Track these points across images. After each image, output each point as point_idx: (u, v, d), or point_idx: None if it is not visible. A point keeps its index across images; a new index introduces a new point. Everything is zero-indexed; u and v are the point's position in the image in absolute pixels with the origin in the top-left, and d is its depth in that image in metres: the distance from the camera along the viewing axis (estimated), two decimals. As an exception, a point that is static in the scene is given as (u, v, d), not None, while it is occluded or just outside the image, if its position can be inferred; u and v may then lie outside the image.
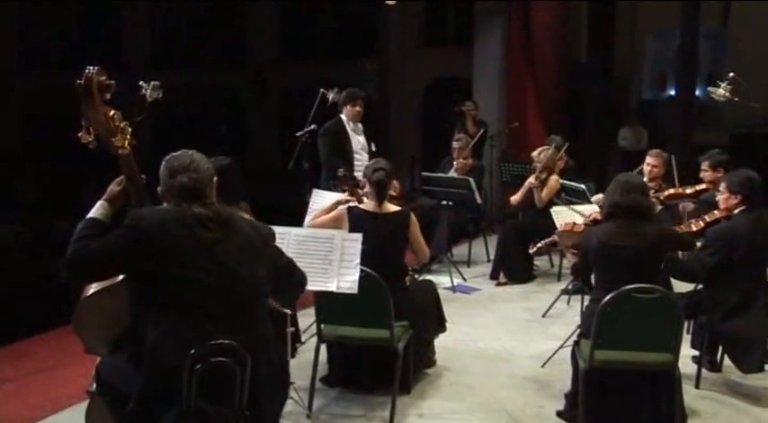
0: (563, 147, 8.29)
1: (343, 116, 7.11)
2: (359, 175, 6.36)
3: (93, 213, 3.21)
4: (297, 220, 5.88)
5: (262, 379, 3.10)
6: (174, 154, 3.25)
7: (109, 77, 3.24)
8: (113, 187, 3.32)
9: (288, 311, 4.42)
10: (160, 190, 3.25)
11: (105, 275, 3.22)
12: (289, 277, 3.49)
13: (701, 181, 6.25)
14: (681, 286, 5.49)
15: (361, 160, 7.00)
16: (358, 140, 7.10)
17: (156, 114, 3.71)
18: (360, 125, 7.21)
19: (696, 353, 5.26)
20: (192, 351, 2.91)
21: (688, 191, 6.31)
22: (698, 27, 10.55)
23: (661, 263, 4.50)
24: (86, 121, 3.24)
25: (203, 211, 3.09)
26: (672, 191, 6.45)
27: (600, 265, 4.45)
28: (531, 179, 7.84)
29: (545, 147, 8.15)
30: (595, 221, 5.19)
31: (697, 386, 5.09)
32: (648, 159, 6.83)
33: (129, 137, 3.29)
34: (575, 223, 5.49)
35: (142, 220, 3.01)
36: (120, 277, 3.30)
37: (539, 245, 5.67)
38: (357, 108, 7.10)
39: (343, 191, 5.92)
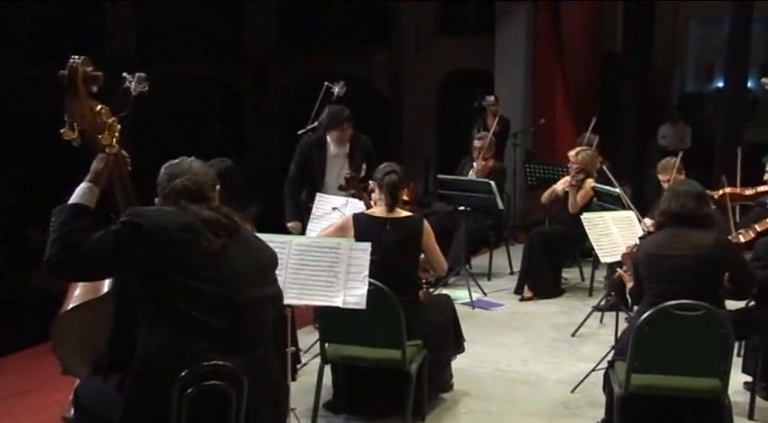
0: (594, 144, 8.27)
1: (327, 137, 6.74)
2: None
3: (77, 198, 3.04)
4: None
5: (260, 407, 3.10)
6: (172, 161, 3.30)
7: (96, 68, 3.24)
8: (97, 165, 3.17)
9: (288, 313, 4.39)
10: (158, 200, 3.27)
11: (101, 275, 3.20)
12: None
13: (762, 182, 6.23)
14: (730, 303, 5.46)
15: (339, 174, 6.58)
16: (334, 169, 6.76)
17: (141, 110, 3.71)
18: (347, 146, 6.75)
19: (749, 378, 5.21)
20: (183, 373, 2.90)
21: (748, 192, 6.26)
22: (751, 10, 10.49)
23: (717, 278, 4.42)
24: (70, 116, 3.22)
25: (211, 213, 3.11)
26: (728, 190, 6.38)
27: (648, 277, 4.43)
28: (568, 178, 7.83)
29: (584, 147, 8.14)
30: (649, 234, 5.17)
31: (750, 417, 5.04)
32: (660, 177, 6.86)
33: (117, 134, 3.29)
34: (635, 246, 5.46)
35: (145, 219, 2.99)
36: (105, 290, 3.29)
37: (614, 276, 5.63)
38: (347, 130, 6.70)
39: (352, 194, 5.92)
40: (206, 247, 3.04)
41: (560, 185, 8.02)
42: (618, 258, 5.45)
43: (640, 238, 5.09)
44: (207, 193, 3.22)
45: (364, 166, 6.63)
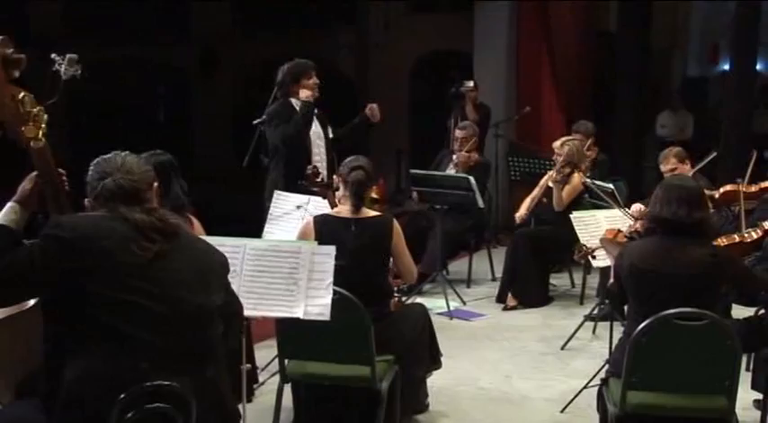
0: (592, 135, 8.32)
1: (291, 99, 6.96)
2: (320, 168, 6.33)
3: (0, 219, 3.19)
4: (254, 230, 5.88)
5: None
6: (104, 157, 3.28)
7: (17, 49, 3.21)
8: (25, 185, 3.31)
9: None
10: (88, 201, 3.25)
11: (18, 298, 3.20)
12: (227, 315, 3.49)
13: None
14: (738, 311, 5.51)
15: (319, 153, 6.94)
16: (314, 128, 7.01)
17: (72, 98, 3.70)
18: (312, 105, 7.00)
19: (759, 396, 5.25)
20: (122, 396, 2.88)
21: (752, 189, 6.31)
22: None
23: (715, 293, 4.42)
24: None
25: (145, 217, 3.10)
26: (730, 187, 6.43)
27: (632, 294, 4.43)
28: (552, 173, 7.86)
29: (570, 137, 8.18)
30: (638, 234, 5.18)
31: (761, 437, 5.09)
32: (662, 167, 6.92)
33: (44, 126, 3.27)
34: (619, 231, 5.49)
35: (66, 230, 3.00)
36: (32, 302, 3.27)
37: (588, 249, 5.69)
38: (313, 80, 6.93)
39: (313, 192, 5.92)
40: (140, 255, 3.03)
41: (540, 187, 8.01)
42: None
43: (626, 237, 5.13)
44: (142, 193, 3.20)
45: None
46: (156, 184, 3.32)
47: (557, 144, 8.02)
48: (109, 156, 3.28)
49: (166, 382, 2.96)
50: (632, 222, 5.75)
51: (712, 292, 4.38)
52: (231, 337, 3.62)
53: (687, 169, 6.88)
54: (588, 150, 8.35)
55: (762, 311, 5.21)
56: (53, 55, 3.73)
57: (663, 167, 6.93)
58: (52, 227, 3.02)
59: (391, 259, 5.05)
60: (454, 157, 8.53)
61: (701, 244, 4.35)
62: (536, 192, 8.09)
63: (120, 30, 17.52)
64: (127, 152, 3.32)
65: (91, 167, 3.26)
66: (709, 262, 4.29)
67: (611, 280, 4.82)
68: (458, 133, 8.60)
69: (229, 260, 3.54)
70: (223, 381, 3.27)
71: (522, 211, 8.07)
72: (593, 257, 5.83)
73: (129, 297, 2.99)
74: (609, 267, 5.66)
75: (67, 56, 3.77)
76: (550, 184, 7.86)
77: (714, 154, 7.05)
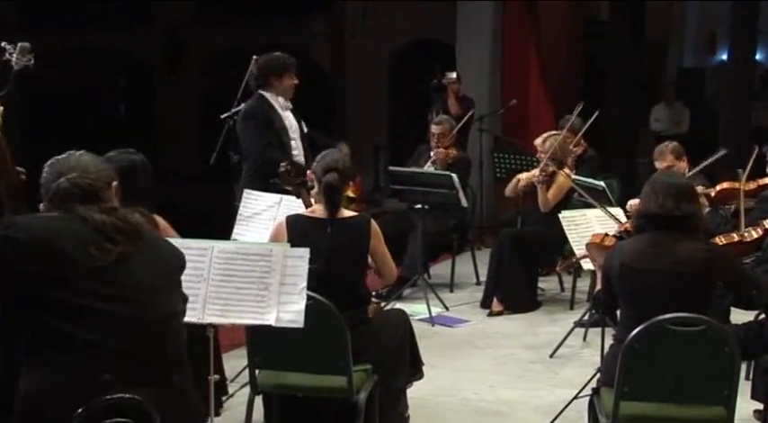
0: (581, 130, 8.34)
1: (266, 93, 6.98)
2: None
3: None
4: (223, 232, 5.87)
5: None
6: (58, 157, 3.28)
7: None
8: None
9: (210, 334, 4.38)
10: (43, 205, 3.25)
11: None
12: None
13: (766, 174, 6.33)
14: (736, 316, 5.54)
15: (297, 147, 6.96)
16: (291, 122, 7.03)
17: (25, 89, 3.70)
18: (288, 101, 7.09)
19: (759, 406, 5.28)
20: (80, 410, 2.88)
21: (750, 186, 6.35)
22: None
23: (711, 294, 4.46)
24: None
25: (105, 217, 3.10)
26: (727, 185, 6.46)
27: (624, 296, 4.45)
28: (535, 172, 7.87)
29: (553, 132, 8.19)
30: (628, 233, 5.20)
31: (762, 450, 5.13)
32: (656, 164, 6.95)
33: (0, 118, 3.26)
34: (606, 235, 5.51)
35: (20, 231, 2.99)
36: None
37: (572, 260, 5.70)
38: (292, 80, 6.99)
39: (286, 191, 5.91)
40: (100, 257, 3.03)
41: (525, 177, 8.03)
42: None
43: (616, 237, 5.15)
44: (101, 192, 3.21)
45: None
46: (114, 183, 3.31)
47: (538, 141, 8.01)
48: (63, 156, 3.28)
49: (128, 396, 2.95)
50: (621, 223, 5.78)
51: (708, 289, 4.41)
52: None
53: (684, 166, 6.91)
54: (575, 146, 8.36)
55: (762, 316, 5.24)
56: (3, 44, 3.73)
57: (658, 164, 6.95)
58: (5, 227, 3.02)
59: (370, 259, 5.06)
60: (431, 153, 8.53)
61: (694, 238, 4.39)
62: (523, 176, 8.07)
63: (78, 16, 17.43)
64: (83, 151, 3.32)
65: (45, 169, 3.26)
66: (704, 257, 4.33)
67: (598, 287, 4.84)
68: (434, 129, 8.60)
69: (196, 264, 3.55)
70: (190, 388, 3.27)
71: (508, 188, 8.15)
72: (579, 267, 5.84)
73: (89, 302, 2.99)
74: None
75: (19, 44, 3.77)
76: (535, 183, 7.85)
77: (723, 152, 7.04)
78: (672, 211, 4.34)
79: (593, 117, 8.39)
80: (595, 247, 5.29)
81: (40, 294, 2.96)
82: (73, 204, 3.13)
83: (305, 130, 7.13)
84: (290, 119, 6.97)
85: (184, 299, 3.43)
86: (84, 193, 3.16)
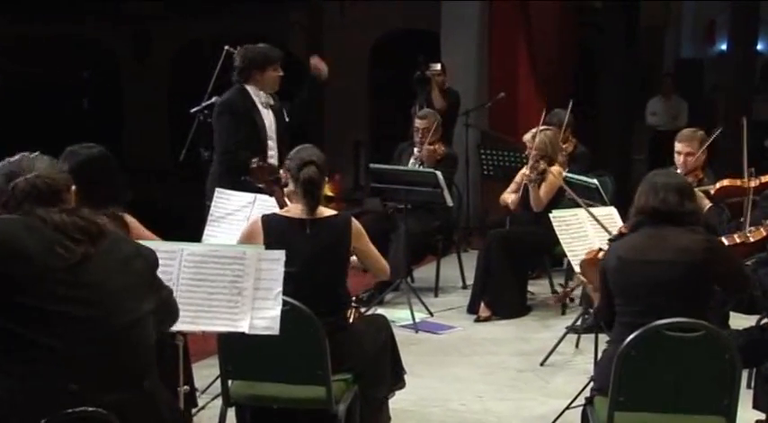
0: (569, 126, 8.34)
1: (248, 87, 7.02)
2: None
3: None
4: (193, 233, 5.86)
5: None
6: (9, 159, 3.27)
7: None
8: None
9: (179, 342, 4.37)
10: None
11: None
12: (168, 316, 3.56)
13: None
14: (737, 321, 5.55)
15: (273, 148, 6.97)
16: (270, 121, 7.02)
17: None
18: (271, 96, 7.13)
19: (761, 416, 5.29)
20: (44, 421, 2.88)
21: (751, 184, 6.37)
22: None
23: (710, 288, 4.50)
24: None
25: (66, 217, 3.09)
26: (727, 182, 6.49)
27: (621, 291, 4.48)
28: (525, 171, 7.87)
29: (542, 127, 8.19)
30: (621, 235, 5.21)
31: (763, 462, 5.14)
32: (678, 146, 6.92)
33: None
34: (600, 249, 5.51)
35: None
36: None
37: (566, 289, 5.71)
38: (276, 73, 7.04)
39: (258, 189, 5.90)
40: (64, 257, 3.03)
41: (519, 178, 8.04)
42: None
43: (610, 240, 5.16)
44: (60, 194, 3.20)
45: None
46: (73, 187, 3.30)
47: (527, 137, 8.00)
48: (15, 158, 3.28)
49: (90, 408, 2.95)
50: (608, 231, 5.79)
51: (706, 283, 4.45)
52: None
53: (703, 159, 6.88)
54: (564, 143, 8.37)
55: (764, 321, 5.26)
56: None
57: (679, 147, 6.88)
58: None
59: (355, 258, 5.06)
60: (415, 150, 8.52)
61: (694, 231, 4.44)
62: (522, 174, 8.06)
63: (41, 3, 17.35)
64: (37, 153, 3.31)
65: None
66: (704, 246, 4.38)
67: (596, 303, 4.85)
68: (418, 123, 8.58)
69: (164, 267, 3.53)
70: (162, 395, 3.28)
71: (509, 194, 8.11)
72: (572, 300, 5.84)
73: (53, 306, 2.99)
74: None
75: None
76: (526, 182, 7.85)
77: (720, 129, 7.03)
78: (675, 206, 4.41)
79: (569, 107, 8.40)
80: (589, 264, 5.29)
81: (1, 299, 2.95)
82: (31, 206, 3.12)
83: (287, 119, 7.13)
84: (269, 117, 6.98)
85: (164, 298, 3.44)
86: (41, 194, 3.15)
